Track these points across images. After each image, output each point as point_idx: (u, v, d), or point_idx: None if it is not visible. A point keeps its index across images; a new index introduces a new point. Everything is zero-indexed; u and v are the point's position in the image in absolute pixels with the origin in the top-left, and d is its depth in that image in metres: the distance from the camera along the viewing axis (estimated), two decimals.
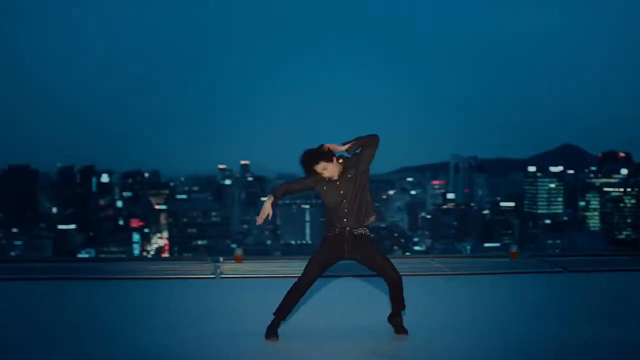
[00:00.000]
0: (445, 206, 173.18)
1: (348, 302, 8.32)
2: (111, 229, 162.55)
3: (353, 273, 9.50)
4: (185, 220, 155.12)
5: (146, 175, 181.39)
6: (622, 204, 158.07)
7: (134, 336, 6.59)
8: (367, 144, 6.24)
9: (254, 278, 10.10)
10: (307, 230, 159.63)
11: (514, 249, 12.02)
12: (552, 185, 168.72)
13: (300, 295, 6.39)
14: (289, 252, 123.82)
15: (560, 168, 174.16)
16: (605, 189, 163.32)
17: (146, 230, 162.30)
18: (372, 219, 6.43)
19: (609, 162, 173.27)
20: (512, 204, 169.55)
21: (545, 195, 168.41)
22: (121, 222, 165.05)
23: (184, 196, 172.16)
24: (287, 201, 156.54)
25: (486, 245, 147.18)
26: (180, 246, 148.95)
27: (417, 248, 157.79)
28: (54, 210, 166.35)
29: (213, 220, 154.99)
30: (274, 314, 6.39)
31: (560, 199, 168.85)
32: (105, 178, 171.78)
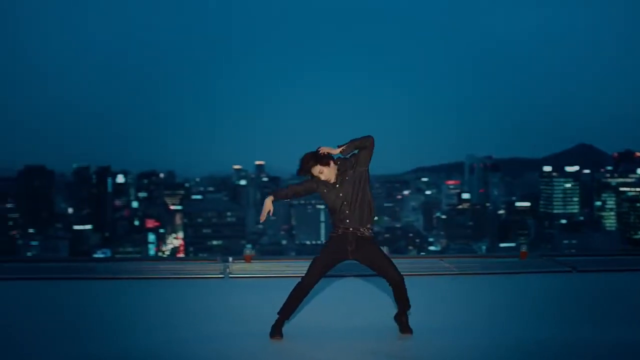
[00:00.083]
0: (460, 206, 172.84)
1: (351, 302, 8.34)
2: (127, 229, 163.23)
3: (356, 273, 9.54)
4: (200, 220, 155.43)
5: (161, 175, 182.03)
6: (638, 204, 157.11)
7: (133, 336, 6.62)
8: (362, 145, 6.28)
9: (262, 278, 10.14)
10: (322, 231, 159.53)
11: (523, 248, 12.03)
12: (568, 185, 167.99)
13: (304, 295, 6.42)
14: (304, 252, 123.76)
15: (576, 168, 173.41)
16: (622, 189, 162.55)
17: (161, 230, 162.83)
18: (371, 221, 6.43)
19: (625, 162, 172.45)
20: (527, 204, 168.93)
21: (561, 195, 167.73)
22: (137, 223, 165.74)
23: (199, 196, 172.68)
24: (302, 202, 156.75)
25: (502, 245, 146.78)
26: (196, 246, 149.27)
27: (432, 248, 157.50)
28: (70, 210, 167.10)
29: (228, 220, 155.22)
30: (278, 313, 6.43)
31: (576, 199, 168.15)
32: (120, 179, 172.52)
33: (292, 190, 6.58)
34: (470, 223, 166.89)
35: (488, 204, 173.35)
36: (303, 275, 6.43)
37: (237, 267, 10.82)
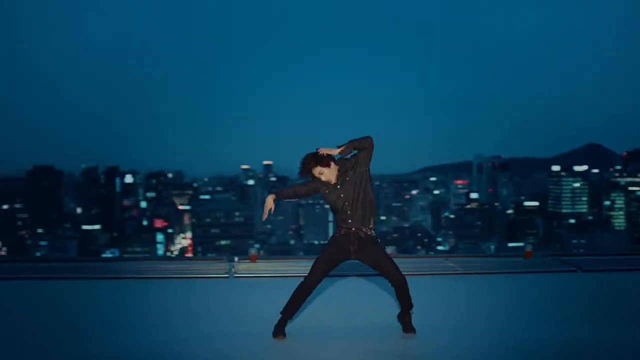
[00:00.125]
0: (468, 206, 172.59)
1: (353, 302, 8.37)
2: (135, 229, 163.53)
3: (358, 273, 9.56)
4: (208, 220, 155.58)
5: (170, 175, 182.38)
6: None
7: (133, 336, 6.64)
8: (361, 146, 6.29)
9: (267, 277, 10.17)
10: (330, 231, 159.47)
11: (528, 248, 12.04)
12: (577, 185, 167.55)
13: (307, 294, 6.45)
14: (312, 252, 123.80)
15: (584, 167, 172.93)
16: (631, 188, 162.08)
17: (170, 230, 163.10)
18: (373, 220, 6.44)
19: (634, 161, 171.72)
20: (536, 203, 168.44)
21: (569, 195, 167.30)
22: (145, 223, 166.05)
23: (207, 196, 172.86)
24: (310, 201, 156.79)
25: (510, 245, 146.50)
26: (204, 246, 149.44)
27: (440, 248, 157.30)
28: (79, 210, 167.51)
29: (236, 220, 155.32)
30: (281, 313, 6.46)
31: (584, 199, 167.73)
32: (129, 179, 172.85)
33: (296, 190, 6.61)
34: (479, 223, 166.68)
35: (496, 204, 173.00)
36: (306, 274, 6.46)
37: (242, 267, 10.86)
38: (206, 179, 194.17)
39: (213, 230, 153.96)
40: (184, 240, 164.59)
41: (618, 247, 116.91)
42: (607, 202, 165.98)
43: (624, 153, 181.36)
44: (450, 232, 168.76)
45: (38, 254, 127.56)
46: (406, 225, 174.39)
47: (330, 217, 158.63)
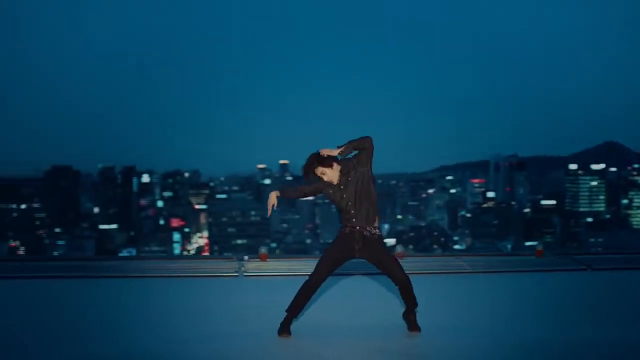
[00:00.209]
0: (485, 205, 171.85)
1: (358, 300, 8.40)
2: (152, 228, 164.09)
3: (363, 271, 9.58)
4: (225, 219, 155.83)
5: (186, 175, 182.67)
6: None
7: (133, 336, 6.67)
8: (360, 146, 6.34)
9: (276, 276, 10.20)
10: None
11: (540, 247, 12.01)
12: (594, 183, 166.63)
13: (311, 293, 6.49)
14: None
15: (602, 165, 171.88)
16: None
17: (186, 229, 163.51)
18: (377, 219, 6.46)
19: None
20: (553, 202, 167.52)
21: (587, 193, 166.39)
22: (162, 222, 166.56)
23: (223, 196, 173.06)
24: (327, 200, 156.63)
25: (527, 244, 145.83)
26: (220, 245, 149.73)
27: (457, 247, 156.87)
28: (96, 210, 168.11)
29: (252, 219, 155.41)
30: (286, 311, 6.51)
31: (602, 197, 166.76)
32: (145, 178, 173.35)
33: (301, 190, 6.69)
34: (496, 222, 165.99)
35: (513, 203, 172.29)
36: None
37: (252, 266, 10.89)
38: (222, 179, 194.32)
39: (229, 230, 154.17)
40: (200, 240, 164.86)
41: (636, 246, 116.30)
42: (625, 201, 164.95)
43: None
44: (467, 231, 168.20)
45: (56, 253, 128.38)
46: (422, 224, 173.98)
47: None
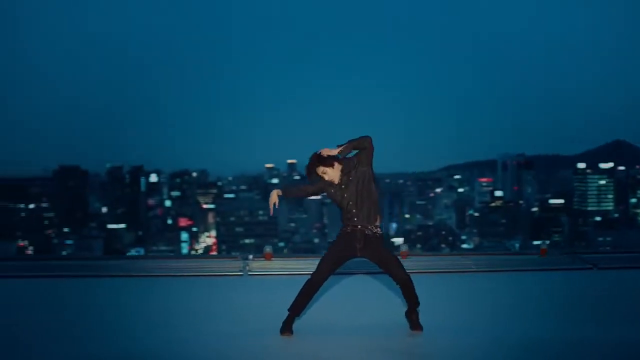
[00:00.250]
0: (493, 204, 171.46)
1: (360, 299, 8.43)
2: (160, 228, 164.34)
3: (365, 270, 9.59)
4: (232, 219, 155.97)
5: (194, 174, 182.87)
6: None
7: (133, 335, 6.69)
8: (360, 146, 6.37)
9: (280, 275, 10.22)
10: None
11: (544, 246, 12.00)
12: (602, 182, 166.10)
13: (314, 291, 6.51)
14: None
15: (610, 164, 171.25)
16: None
17: (194, 229, 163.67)
18: (378, 218, 6.47)
19: None
20: (561, 201, 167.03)
21: (595, 192, 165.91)
22: (170, 222, 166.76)
23: (231, 195, 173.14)
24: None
25: (535, 243, 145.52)
26: (228, 245, 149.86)
27: (465, 246, 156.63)
28: (104, 210, 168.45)
29: (260, 219, 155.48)
30: (288, 310, 6.52)
31: (610, 196, 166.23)
32: (153, 178, 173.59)
33: (305, 190, 6.74)
34: (504, 221, 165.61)
35: (521, 202, 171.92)
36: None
37: (257, 265, 10.92)
38: (230, 178, 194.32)
39: (237, 229, 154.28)
40: (208, 239, 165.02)
41: None
42: (634, 200, 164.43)
43: None
44: (475, 230, 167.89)
45: (64, 252, 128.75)
46: (430, 223, 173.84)
47: None
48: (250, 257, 11.50)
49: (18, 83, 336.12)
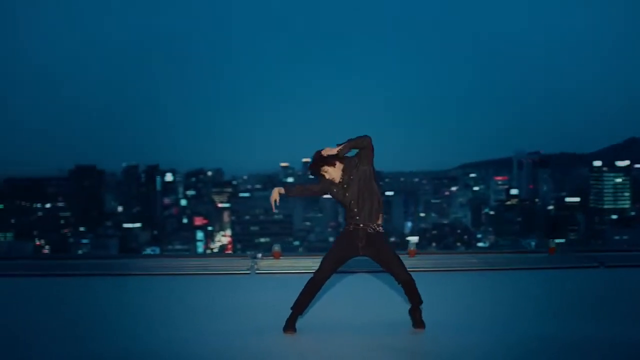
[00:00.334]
0: (509, 202, 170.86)
1: (362, 298, 8.48)
2: (175, 227, 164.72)
3: (367, 269, 9.63)
4: (248, 218, 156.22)
5: (209, 173, 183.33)
6: None
7: (134, 334, 6.72)
8: (359, 145, 6.43)
9: (287, 274, 10.27)
10: None
11: (552, 244, 11.99)
12: (619, 180, 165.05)
13: (316, 290, 6.57)
14: None
15: (626, 162, 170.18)
16: None
17: (210, 228, 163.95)
18: (380, 217, 6.52)
19: None
20: (577, 199, 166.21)
21: (611, 190, 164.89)
22: (185, 220, 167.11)
23: (246, 194, 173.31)
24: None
25: (554, 241, 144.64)
26: (243, 244, 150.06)
27: (480, 244, 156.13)
28: (120, 209, 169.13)
29: (275, 217, 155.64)
30: (291, 308, 6.58)
31: (627, 194, 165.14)
32: (169, 177, 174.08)
33: (309, 189, 6.81)
34: (519, 219, 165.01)
35: (537, 200, 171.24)
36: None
37: (265, 264, 10.98)
38: (245, 177, 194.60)
39: (252, 228, 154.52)
40: (223, 238, 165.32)
41: None
42: None
43: None
44: (490, 229, 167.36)
45: (80, 251, 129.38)
46: (446, 221, 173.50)
47: None
48: (259, 255, 11.56)
49: (18, 83, 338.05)
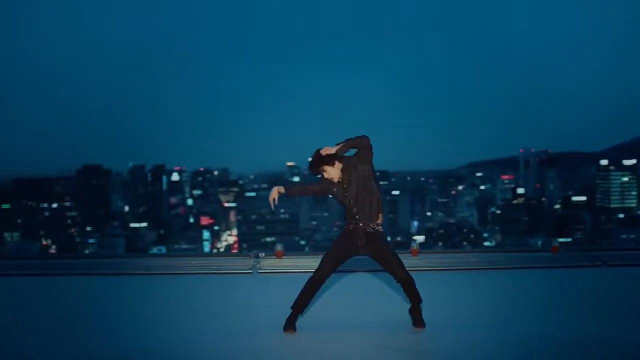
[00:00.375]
0: (515, 201, 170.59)
1: (362, 297, 8.47)
2: (182, 226, 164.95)
3: (366, 268, 9.63)
4: (254, 217, 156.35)
5: (216, 173, 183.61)
6: None
7: (134, 334, 6.72)
8: (358, 145, 6.44)
9: (289, 273, 10.27)
10: None
11: (555, 243, 11.97)
12: (626, 179, 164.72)
13: (316, 289, 6.59)
14: None
15: (633, 161, 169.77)
16: None
17: (216, 227, 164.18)
18: (380, 216, 6.53)
19: None
20: (584, 198, 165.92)
21: (618, 189, 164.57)
22: (191, 220, 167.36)
23: (252, 193, 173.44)
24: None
25: (558, 240, 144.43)
26: (250, 243, 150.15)
27: (487, 244, 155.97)
28: (126, 208, 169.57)
29: (281, 217, 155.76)
30: (291, 307, 6.60)
31: (634, 193, 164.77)
32: (175, 176, 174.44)
33: (310, 189, 6.83)
34: (526, 218, 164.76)
35: (543, 199, 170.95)
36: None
37: (267, 263, 10.99)
38: (252, 176, 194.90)
39: (258, 227, 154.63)
40: (230, 238, 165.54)
41: None
42: None
43: None
44: (497, 228, 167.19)
45: (87, 251, 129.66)
46: (452, 221, 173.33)
47: None
48: (262, 254, 11.56)
49: (18, 83, 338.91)
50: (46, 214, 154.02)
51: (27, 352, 6.10)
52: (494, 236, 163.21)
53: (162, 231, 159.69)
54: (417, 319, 6.70)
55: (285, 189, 6.74)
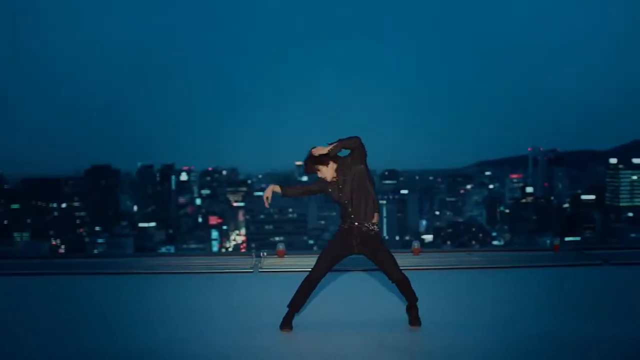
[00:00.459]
0: (524, 200, 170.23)
1: (358, 296, 8.51)
2: (190, 226, 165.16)
3: (362, 267, 9.67)
4: (262, 217, 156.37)
5: (224, 172, 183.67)
6: None
7: (133, 333, 6.75)
8: (350, 146, 6.49)
9: (290, 272, 10.30)
10: (384, 227, 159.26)
11: (556, 241, 11.98)
12: (635, 177, 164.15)
13: (312, 288, 6.64)
14: None
15: None
16: None
17: (224, 227, 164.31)
18: (376, 216, 6.57)
19: None
20: (593, 197, 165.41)
21: (627, 188, 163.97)
22: (200, 220, 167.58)
23: (261, 193, 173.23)
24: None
25: (567, 239, 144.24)
26: (258, 243, 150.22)
27: (495, 242, 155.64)
28: (135, 208, 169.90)
29: (290, 217, 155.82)
30: (288, 306, 6.65)
31: None
32: (184, 176, 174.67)
33: (307, 189, 6.91)
34: (534, 217, 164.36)
35: (552, 198, 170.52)
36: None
37: (268, 262, 11.04)
38: (260, 176, 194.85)
39: (267, 227, 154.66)
40: (238, 237, 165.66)
41: None
42: None
43: None
44: (506, 227, 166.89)
45: (96, 251, 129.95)
46: (461, 220, 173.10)
47: (384, 212, 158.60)
48: (264, 254, 11.60)
49: (18, 83, 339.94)
50: (55, 214, 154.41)
51: (27, 352, 6.14)
52: (502, 235, 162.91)
53: (170, 231, 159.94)
54: (413, 318, 6.74)
55: (282, 189, 6.80)
